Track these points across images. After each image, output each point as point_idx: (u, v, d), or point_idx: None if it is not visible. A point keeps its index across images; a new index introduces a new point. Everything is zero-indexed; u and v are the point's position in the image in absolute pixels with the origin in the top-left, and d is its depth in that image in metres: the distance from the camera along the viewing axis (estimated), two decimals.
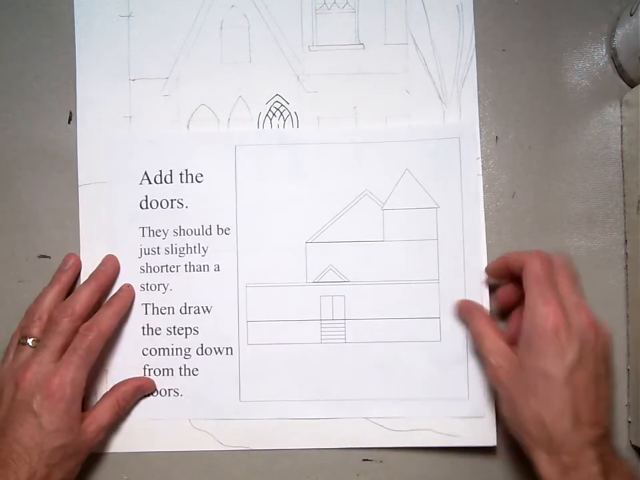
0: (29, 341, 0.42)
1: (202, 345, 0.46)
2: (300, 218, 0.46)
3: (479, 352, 0.43)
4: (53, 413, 0.39)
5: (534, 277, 0.39)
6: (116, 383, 0.45)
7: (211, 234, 0.46)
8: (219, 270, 0.46)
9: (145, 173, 0.46)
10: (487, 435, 0.45)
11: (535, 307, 0.38)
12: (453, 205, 0.46)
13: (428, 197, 0.46)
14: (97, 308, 0.44)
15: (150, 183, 0.46)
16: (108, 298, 0.45)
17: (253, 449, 0.45)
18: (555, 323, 0.37)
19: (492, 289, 0.45)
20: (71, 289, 0.45)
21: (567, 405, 0.36)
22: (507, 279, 0.44)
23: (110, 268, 0.45)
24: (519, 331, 0.39)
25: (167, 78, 0.47)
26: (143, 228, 0.46)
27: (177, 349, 0.46)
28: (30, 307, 0.44)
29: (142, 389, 0.45)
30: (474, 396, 0.45)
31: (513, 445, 0.44)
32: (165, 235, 0.46)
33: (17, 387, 0.40)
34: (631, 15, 0.45)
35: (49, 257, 0.46)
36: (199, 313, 0.46)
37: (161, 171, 0.46)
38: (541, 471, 0.37)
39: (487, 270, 0.45)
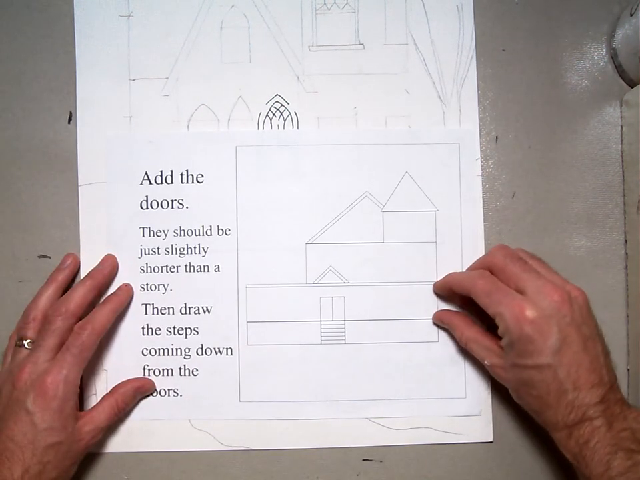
0: (25, 343, 0.42)
1: (202, 345, 0.46)
2: (300, 219, 0.46)
3: (474, 356, 0.43)
4: (45, 411, 0.39)
5: (484, 294, 0.40)
6: (116, 383, 0.45)
7: (211, 234, 0.46)
8: (219, 270, 0.46)
9: (146, 173, 0.46)
10: (484, 432, 0.45)
11: (501, 317, 0.38)
12: (452, 207, 0.46)
13: (427, 200, 0.46)
14: (93, 307, 0.44)
15: (150, 183, 0.46)
16: (105, 297, 0.45)
17: (253, 448, 0.45)
18: (525, 323, 0.37)
19: None
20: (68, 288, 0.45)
21: (565, 382, 0.36)
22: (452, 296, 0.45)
23: (107, 267, 0.45)
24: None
25: (167, 78, 0.47)
26: (143, 228, 0.46)
27: (176, 349, 0.46)
28: (26, 308, 0.44)
29: (141, 390, 0.45)
30: (471, 395, 0.45)
31: (509, 440, 0.45)
32: (165, 235, 0.46)
33: (13, 387, 0.40)
34: (631, 15, 0.44)
35: (49, 257, 0.46)
36: (198, 313, 0.46)
37: (161, 171, 0.46)
38: (561, 449, 0.38)
39: (434, 288, 0.46)
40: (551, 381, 0.37)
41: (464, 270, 0.46)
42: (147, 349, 0.46)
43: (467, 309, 0.45)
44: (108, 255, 0.46)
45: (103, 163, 0.47)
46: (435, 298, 0.46)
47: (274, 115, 0.47)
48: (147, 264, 0.46)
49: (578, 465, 0.36)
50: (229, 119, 0.47)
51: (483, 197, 0.46)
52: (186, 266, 0.46)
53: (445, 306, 0.46)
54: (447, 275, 0.45)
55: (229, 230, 0.46)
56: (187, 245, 0.46)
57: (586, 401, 0.36)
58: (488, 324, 0.43)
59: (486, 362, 0.41)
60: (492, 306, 0.39)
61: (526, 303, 0.38)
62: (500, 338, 0.40)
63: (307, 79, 0.47)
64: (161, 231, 0.46)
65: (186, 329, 0.46)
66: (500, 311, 0.38)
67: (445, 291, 0.45)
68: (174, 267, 0.46)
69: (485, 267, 0.42)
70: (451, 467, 0.45)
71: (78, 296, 0.43)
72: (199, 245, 0.46)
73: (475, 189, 0.46)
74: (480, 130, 0.47)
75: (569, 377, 0.36)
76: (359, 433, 0.45)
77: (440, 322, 0.45)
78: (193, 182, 0.46)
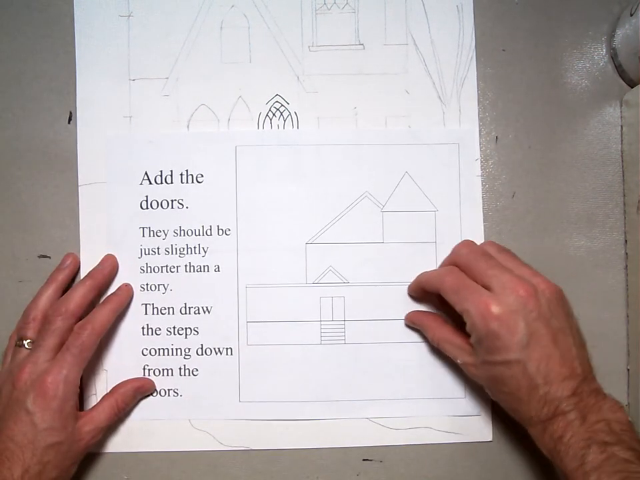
0: (25, 343, 0.42)
1: (202, 345, 0.46)
2: (300, 219, 0.46)
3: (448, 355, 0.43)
4: (45, 411, 0.39)
5: (451, 292, 0.40)
6: (116, 383, 0.45)
7: (211, 234, 0.46)
8: (219, 270, 0.46)
9: (146, 173, 0.46)
10: (483, 432, 0.45)
11: (468, 314, 0.38)
12: (452, 208, 0.46)
13: (427, 201, 0.46)
14: (93, 307, 0.44)
15: (150, 183, 0.46)
16: (105, 297, 0.45)
17: (253, 448, 0.45)
18: (491, 319, 0.37)
19: None
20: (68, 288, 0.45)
21: (535, 377, 0.36)
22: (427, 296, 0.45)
23: (107, 267, 0.45)
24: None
25: (167, 78, 0.47)
26: (143, 228, 0.46)
27: (176, 349, 0.46)
28: (26, 308, 0.44)
29: (141, 390, 0.45)
30: (471, 395, 0.45)
31: (508, 439, 0.45)
32: (165, 235, 0.46)
33: (13, 387, 0.40)
34: (631, 15, 0.44)
35: (49, 257, 0.46)
36: (199, 313, 0.46)
37: (161, 171, 0.46)
38: (537, 444, 0.38)
39: (408, 291, 0.46)
40: (521, 376, 0.37)
41: None
42: (146, 349, 0.46)
43: (443, 309, 0.45)
44: (108, 254, 0.46)
45: (103, 163, 0.47)
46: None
47: (274, 115, 0.47)
48: (146, 264, 0.46)
49: (553, 460, 0.36)
50: (229, 119, 0.47)
51: (482, 196, 0.46)
52: (186, 266, 0.46)
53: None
54: (418, 275, 0.45)
55: (229, 230, 0.46)
56: (187, 245, 0.46)
57: (558, 395, 0.36)
58: (461, 322, 0.43)
59: (458, 360, 0.41)
60: (459, 303, 0.39)
61: (491, 299, 0.37)
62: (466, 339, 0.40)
63: (307, 79, 0.47)
64: (160, 231, 0.46)
65: (186, 329, 0.46)
66: (466, 308, 0.38)
67: (418, 291, 0.45)
68: (174, 267, 0.46)
69: (452, 264, 0.42)
70: (450, 467, 0.45)
71: (78, 296, 0.43)
72: (199, 244, 0.46)
73: (475, 189, 0.46)
74: (480, 130, 0.47)
75: (539, 371, 0.36)
76: (359, 433, 0.45)
77: (411, 323, 0.45)
78: (192, 182, 0.46)
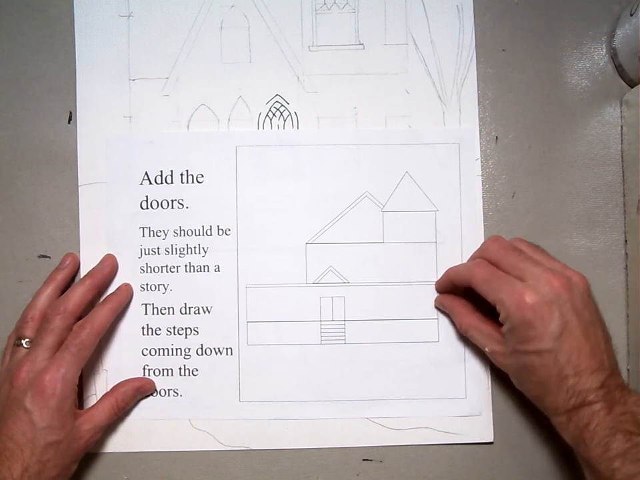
0: (24, 342, 0.42)
1: (202, 345, 0.46)
2: (300, 219, 0.46)
3: (475, 343, 0.43)
4: (44, 410, 0.39)
5: (483, 282, 0.40)
6: (115, 383, 0.45)
7: (211, 234, 0.46)
8: (219, 270, 0.46)
9: (146, 173, 0.46)
10: (484, 432, 0.45)
11: (502, 303, 0.38)
12: (452, 207, 0.46)
13: (427, 200, 0.46)
14: (92, 307, 0.44)
15: (150, 183, 0.46)
16: (104, 296, 0.45)
17: (253, 448, 0.45)
18: (526, 309, 0.37)
19: None
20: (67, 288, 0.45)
21: (565, 368, 0.36)
22: (456, 290, 0.45)
23: (107, 267, 0.45)
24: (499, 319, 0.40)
25: (167, 78, 0.47)
26: (143, 228, 0.46)
27: (176, 349, 0.46)
28: (25, 308, 0.44)
29: (141, 390, 0.45)
30: (471, 395, 0.45)
31: (509, 440, 0.45)
32: (165, 235, 0.46)
33: (12, 386, 0.40)
34: (631, 15, 0.44)
35: (49, 257, 0.46)
36: (199, 313, 0.46)
37: (161, 171, 0.46)
38: (561, 433, 0.38)
39: (436, 286, 0.46)
40: (552, 366, 0.37)
41: None
42: (146, 349, 0.46)
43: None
44: (108, 254, 0.46)
45: (103, 163, 0.47)
46: (435, 298, 0.46)
47: (274, 115, 0.47)
48: (146, 264, 0.46)
49: (577, 447, 0.37)
50: (229, 119, 0.47)
51: (483, 196, 0.46)
52: (186, 266, 0.46)
53: None
54: (446, 270, 0.45)
55: (229, 230, 0.46)
56: (187, 245, 0.46)
57: (586, 387, 0.36)
58: (487, 312, 0.43)
59: (487, 349, 0.42)
60: (492, 293, 0.39)
61: (526, 289, 0.38)
62: (500, 325, 0.40)
63: (307, 79, 0.47)
64: (160, 231, 0.46)
65: (186, 329, 0.46)
66: (500, 297, 0.38)
67: (446, 285, 0.45)
68: (174, 267, 0.46)
69: (482, 258, 0.42)
70: (450, 467, 0.45)
71: (77, 295, 0.43)
72: (199, 244, 0.46)
73: (475, 188, 0.46)
74: (480, 130, 0.47)
75: (570, 362, 0.36)
76: (359, 433, 0.45)
77: (441, 306, 0.45)
78: (192, 182, 0.46)
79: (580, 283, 0.38)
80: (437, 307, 0.46)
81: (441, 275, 0.45)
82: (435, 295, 0.46)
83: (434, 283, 0.46)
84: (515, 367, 0.40)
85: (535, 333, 0.37)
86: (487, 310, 0.42)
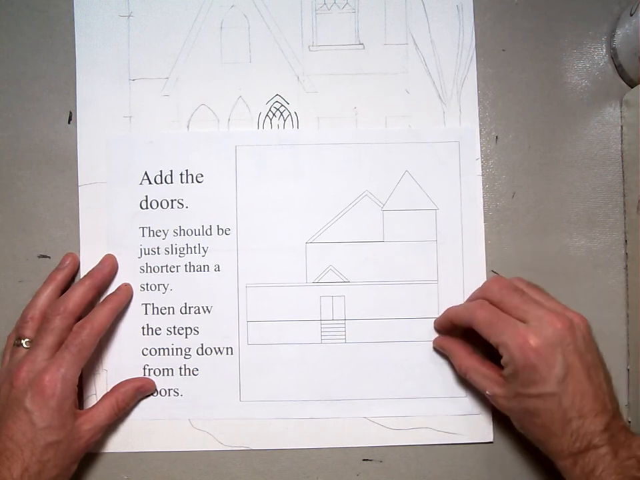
0: (23, 342, 0.42)
1: (202, 345, 0.46)
2: (300, 218, 0.46)
3: (474, 385, 0.43)
4: (44, 410, 0.39)
5: (485, 324, 0.40)
6: (116, 383, 0.45)
7: (211, 234, 0.46)
8: (219, 270, 0.46)
9: (146, 173, 0.46)
10: (484, 432, 0.45)
11: (505, 346, 0.38)
12: (452, 206, 0.46)
13: (427, 199, 0.46)
14: (92, 307, 0.44)
15: (150, 183, 0.46)
16: (104, 296, 0.45)
17: (253, 448, 0.45)
18: (529, 351, 0.37)
19: None
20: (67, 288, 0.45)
21: (569, 411, 0.36)
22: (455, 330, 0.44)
23: (107, 267, 0.45)
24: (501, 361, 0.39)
25: (167, 78, 0.47)
26: (143, 228, 0.46)
27: (176, 349, 0.46)
28: (25, 308, 0.44)
29: (142, 390, 0.45)
30: (471, 395, 0.45)
31: (509, 440, 0.45)
32: (165, 235, 0.46)
33: (11, 386, 0.40)
34: (631, 15, 0.45)
35: (49, 257, 0.46)
36: (199, 313, 0.46)
37: (161, 171, 0.46)
38: (566, 477, 0.38)
39: (435, 325, 0.46)
40: (556, 409, 0.37)
41: (464, 270, 0.46)
42: (147, 349, 0.46)
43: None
44: (108, 254, 0.46)
45: (102, 163, 0.47)
46: (435, 297, 0.46)
47: (274, 114, 0.47)
48: (146, 264, 0.46)
49: None
50: (228, 119, 0.47)
51: (483, 196, 0.46)
52: (186, 266, 0.46)
53: (444, 306, 0.45)
54: (446, 310, 0.45)
55: (229, 230, 0.46)
56: (187, 244, 0.46)
57: (591, 429, 0.36)
58: (485, 353, 0.43)
59: (487, 392, 0.41)
60: (494, 335, 0.39)
61: (529, 331, 0.37)
62: (499, 367, 0.40)
63: (307, 79, 0.47)
64: (160, 231, 0.46)
65: (186, 328, 0.46)
66: (503, 340, 0.38)
67: (446, 325, 0.45)
68: (174, 267, 0.46)
69: (483, 299, 0.42)
70: (450, 467, 0.45)
71: (77, 295, 0.43)
72: (199, 244, 0.46)
73: (475, 188, 0.46)
74: (480, 130, 0.47)
75: (574, 405, 0.36)
76: (359, 433, 0.45)
77: (440, 348, 0.45)
78: (192, 182, 0.46)
79: (582, 324, 0.38)
80: (434, 349, 0.46)
81: (440, 314, 0.45)
82: (435, 294, 0.46)
83: (434, 281, 0.46)
84: (517, 410, 0.39)
85: (539, 376, 0.37)
86: (485, 351, 0.42)
